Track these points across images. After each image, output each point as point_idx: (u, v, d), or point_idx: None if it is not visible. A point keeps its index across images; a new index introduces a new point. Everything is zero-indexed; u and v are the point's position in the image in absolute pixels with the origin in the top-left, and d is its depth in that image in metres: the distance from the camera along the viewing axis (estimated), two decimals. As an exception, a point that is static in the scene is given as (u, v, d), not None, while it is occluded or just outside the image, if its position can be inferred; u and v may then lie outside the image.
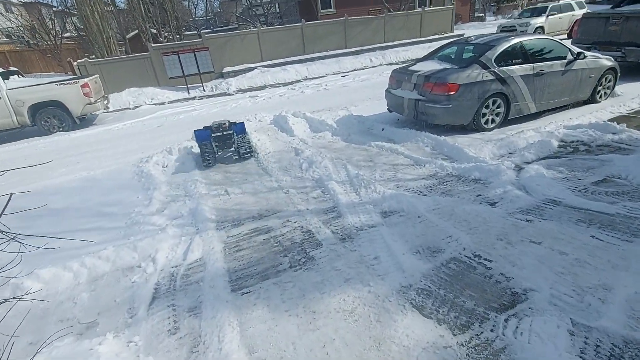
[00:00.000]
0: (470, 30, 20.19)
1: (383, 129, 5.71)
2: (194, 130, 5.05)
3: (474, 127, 5.18)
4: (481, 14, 30.72)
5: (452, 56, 5.82)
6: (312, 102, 8.98)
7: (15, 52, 20.26)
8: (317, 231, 3.09)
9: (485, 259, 2.51)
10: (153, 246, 3.09)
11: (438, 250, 2.65)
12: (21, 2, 22.15)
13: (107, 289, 2.72)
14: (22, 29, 20.44)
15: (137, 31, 17.03)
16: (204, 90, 12.90)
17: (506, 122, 5.37)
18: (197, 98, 12.25)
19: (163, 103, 12.00)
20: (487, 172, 3.79)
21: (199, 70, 12.55)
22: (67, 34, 21.84)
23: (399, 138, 5.25)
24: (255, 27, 15.54)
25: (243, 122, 5.32)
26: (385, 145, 4.95)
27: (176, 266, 2.89)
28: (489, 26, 22.75)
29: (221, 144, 5.22)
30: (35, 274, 2.85)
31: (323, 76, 13.60)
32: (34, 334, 2.36)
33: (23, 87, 8.60)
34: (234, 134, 5.21)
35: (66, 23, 20.77)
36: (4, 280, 2.82)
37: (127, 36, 17.97)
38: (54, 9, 23.11)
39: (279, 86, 12.72)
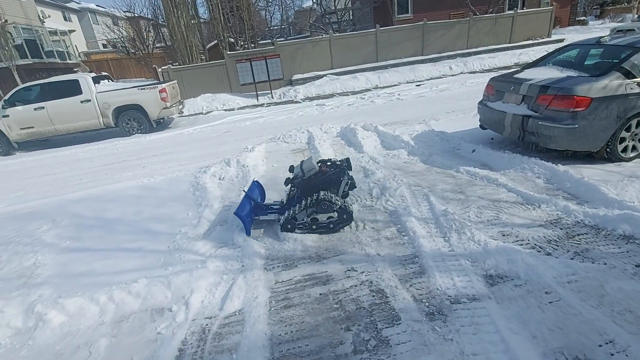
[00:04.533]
0: (572, 35, 17.42)
1: (474, 151, 4.66)
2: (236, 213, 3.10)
3: (605, 155, 3.89)
4: (582, 18, 26.80)
5: (574, 61, 4.56)
6: (384, 114, 8.13)
7: (116, 59, 22.84)
8: (393, 293, 2.27)
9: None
10: (189, 285, 2.57)
11: (596, 368, 1.65)
12: (126, 16, 24.94)
13: (128, 339, 2.22)
14: (123, 39, 22.98)
15: (216, 41, 17.88)
16: (272, 97, 12.83)
17: (651, 150, 3.97)
18: (265, 105, 12.19)
19: (233, 109, 12.17)
20: (646, 227, 2.60)
21: (268, 77, 12.52)
22: (159, 44, 24.03)
23: (497, 164, 4.17)
24: (327, 34, 15.22)
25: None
26: (480, 172, 3.92)
27: (210, 318, 2.30)
28: (595, 30, 19.51)
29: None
30: (61, 304, 2.49)
31: (396, 85, 12.65)
32: (35, 394, 1.93)
33: (110, 90, 9.20)
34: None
35: (158, 34, 22.87)
36: (30, 305, 2.51)
37: (208, 45, 18.99)
38: (151, 21, 25.70)
39: (348, 95, 12.09)
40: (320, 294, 2.38)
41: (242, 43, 18.19)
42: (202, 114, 12.03)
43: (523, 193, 3.36)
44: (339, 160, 3.56)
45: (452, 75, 12.96)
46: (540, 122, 3.87)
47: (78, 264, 3.17)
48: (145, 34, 22.11)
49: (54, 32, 20.84)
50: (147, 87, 9.30)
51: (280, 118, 9.49)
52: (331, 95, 12.34)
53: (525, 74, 4.42)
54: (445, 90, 10.15)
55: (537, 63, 4.82)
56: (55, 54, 19.84)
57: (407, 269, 2.52)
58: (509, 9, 18.12)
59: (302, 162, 3.43)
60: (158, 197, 4.52)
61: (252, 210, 3.37)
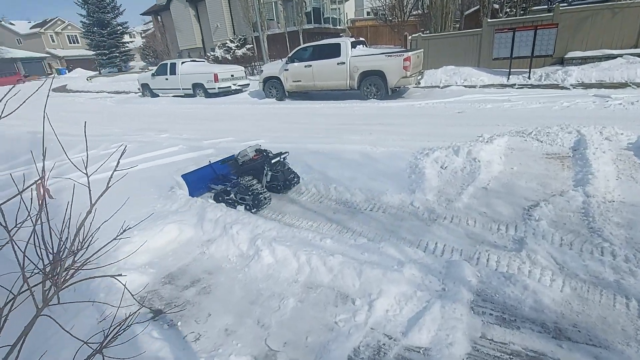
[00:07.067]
0: None
1: None
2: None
3: None
4: None
5: None
6: None
7: (373, 26, 24.78)
8: None
9: None
10: (379, 284, 2.29)
11: None
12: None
13: (311, 312, 2.21)
14: (384, 7, 24.41)
15: (477, 7, 16.03)
16: (528, 77, 10.45)
17: None
18: (516, 86, 10.10)
19: (474, 86, 10.78)
20: None
21: (532, 53, 10.13)
22: (415, 12, 24.13)
23: None
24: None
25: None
26: None
27: (390, 337, 1.95)
28: None
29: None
30: (273, 247, 2.78)
31: None
32: (235, 319, 2.20)
33: (360, 55, 9.90)
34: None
35: (417, 1, 22.84)
36: (255, 237, 2.94)
37: (466, 12, 17.38)
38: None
39: (657, 87, 8.23)
40: (552, 398, 1.56)
41: (507, 10, 15.53)
42: (438, 87, 11.33)
43: None
44: (274, 153, 3.88)
45: None
46: None
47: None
48: (405, 1, 22.59)
49: (333, 1, 24.53)
50: (394, 54, 9.40)
51: (533, 106, 7.56)
52: (623, 85, 8.77)
53: None
54: None
55: None
56: (330, 20, 23.47)
57: None
58: None
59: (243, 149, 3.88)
60: (374, 168, 4.46)
61: (213, 179, 4.12)
